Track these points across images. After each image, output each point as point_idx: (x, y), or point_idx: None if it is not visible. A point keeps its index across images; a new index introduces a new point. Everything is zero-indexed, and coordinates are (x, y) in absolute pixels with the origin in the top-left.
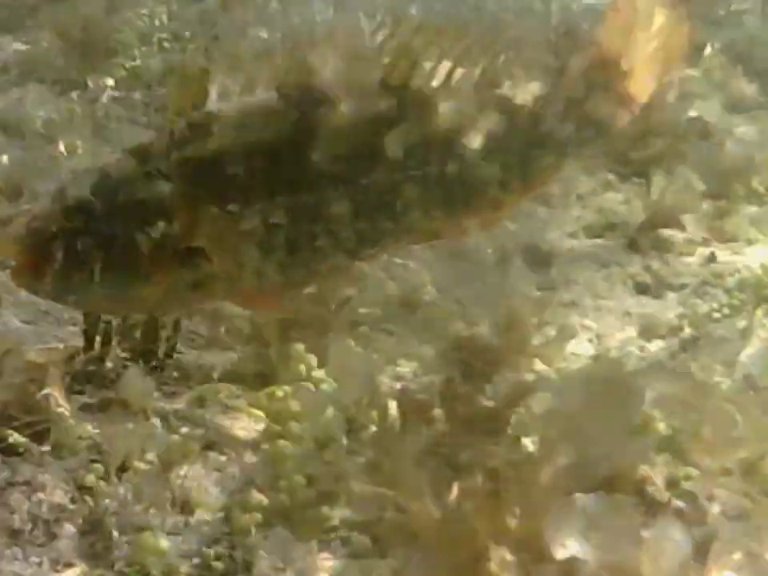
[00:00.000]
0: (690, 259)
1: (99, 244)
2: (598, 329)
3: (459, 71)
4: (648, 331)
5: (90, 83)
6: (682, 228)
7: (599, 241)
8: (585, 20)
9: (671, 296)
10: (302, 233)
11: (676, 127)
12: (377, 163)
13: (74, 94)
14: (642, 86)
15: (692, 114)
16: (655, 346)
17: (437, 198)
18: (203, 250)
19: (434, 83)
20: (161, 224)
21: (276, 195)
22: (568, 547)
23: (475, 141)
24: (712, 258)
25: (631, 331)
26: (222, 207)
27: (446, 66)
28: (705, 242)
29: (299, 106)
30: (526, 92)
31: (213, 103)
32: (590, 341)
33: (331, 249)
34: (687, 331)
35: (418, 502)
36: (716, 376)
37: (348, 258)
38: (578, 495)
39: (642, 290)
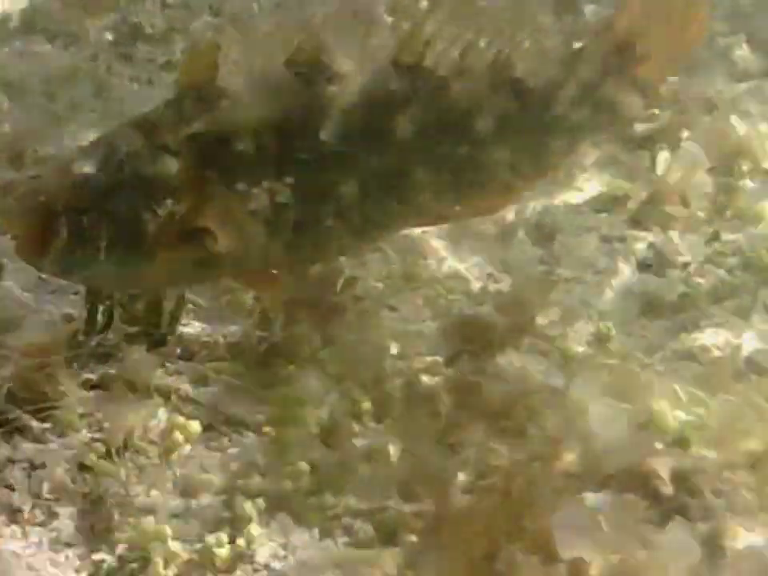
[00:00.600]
0: (693, 237)
1: (104, 220)
2: (599, 305)
3: (472, 52)
4: (649, 309)
5: (91, 38)
6: (687, 204)
7: (603, 215)
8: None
9: (674, 273)
10: (310, 213)
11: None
12: (387, 143)
13: (75, 49)
14: (658, 70)
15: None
16: (657, 324)
17: (447, 181)
18: (209, 228)
19: (447, 64)
20: (167, 201)
21: (284, 174)
22: (576, 547)
23: (487, 123)
24: (716, 236)
25: (633, 309)
26: (230, 185)
27: (458, 46)
28: (709, 219)
29: (310, 83)
30: (539, 75)
31: (222, 78)
32: (591, 317)
33: (339, 230)
34: (690, 311)
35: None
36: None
37: (355, 239)
38: (587, 495)
39: (644, 266)
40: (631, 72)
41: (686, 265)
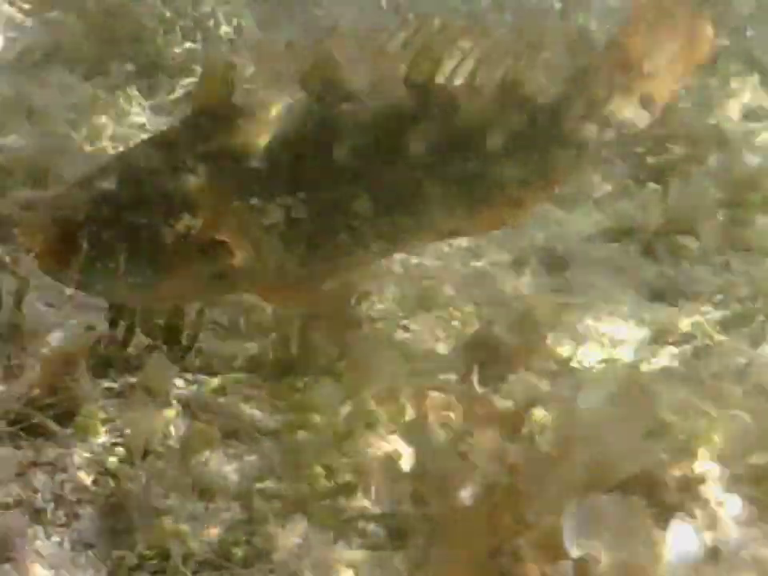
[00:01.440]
0: (704, 267)
1: (124, 234)
2: (611, 334)
3: (482, 70)
4: (661, 338)
5: (113, 69)
6: (698, 235)
7: (615, 246)
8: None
9: (685, 303)
10: (324, 227)
11: (693, 134)
12: (399, 160)
13: (98, 80)
14: (664, 87)
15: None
16: (668, 352)
17: (458, 196)
18: (226, 242)
19: (457, 81)
20: (185, 216)
21: (298, 190)
22: (583, 546)
23: (497, 139)
24: (726, 266)
25: (644, 337)
26: (245, 201)
27: (468, 64)
28: (720, 250)
29: (323, 102)
30: (547, 92)
31: (238, 97)
32: (603, 345)
33: (352, 244)
34: (700, 339)
35: (444, 494)
36: (728, 384)
37: (369, 253)
38: (593, 496)
39: (656, 296)
40: (637, 89)
41: (697, 295)
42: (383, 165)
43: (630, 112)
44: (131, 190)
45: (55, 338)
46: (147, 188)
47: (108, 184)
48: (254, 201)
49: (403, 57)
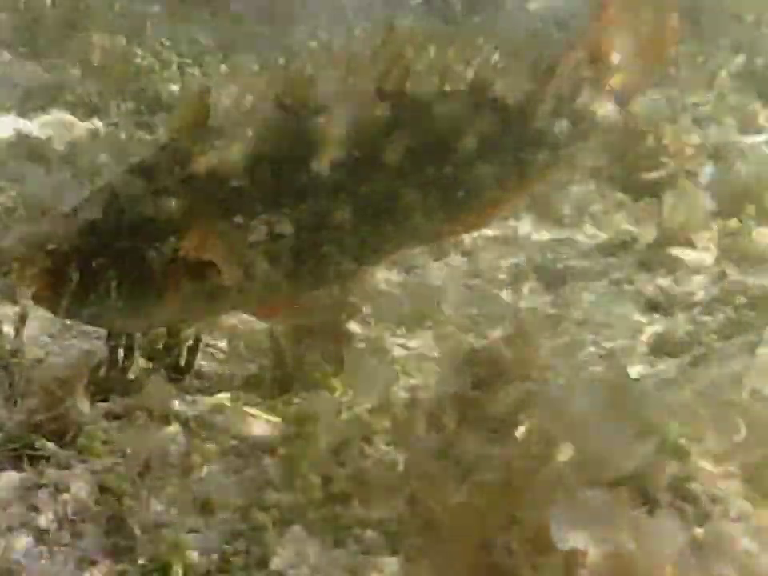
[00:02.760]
0: (700, 277)
1: (112, 262)
2: (609, 346)
3: (450, 75)
4: (658, 348)
5: (111, 108)
6: (693, 246)
7: (611, 259)
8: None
9: (681, 314)
10: (308, 241)
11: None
12: (376, 169)
13: (97, 119)
14: (632, 80)
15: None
16: (665, 362)
17: (436, 200)
18: (213, 262)
19: (427, 88)
20: (170, 240)
21: (280, 206)
22: (571, 539)
23: (470, 142)
24: (722, 277)
25: (642, 348)
26: (229, 220)
27: (437, 70)
28: (715, 261)
29: (298, 117)
30: (517, 91)
31: (214, 119)
32: (601, 357)
33: (337, 255)
34: (697, 348)
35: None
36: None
37: (354, 263)
38: (580, 489)
39: (652, 307)
40: (606, 83)
41: (693, 305)
42: (361, 175)
43: (600, 105)
44: (116, 217)
45: (55, 362)
46: (131, 214)
47: (93, 214)
48: (238, 219)
49: (373, 67)
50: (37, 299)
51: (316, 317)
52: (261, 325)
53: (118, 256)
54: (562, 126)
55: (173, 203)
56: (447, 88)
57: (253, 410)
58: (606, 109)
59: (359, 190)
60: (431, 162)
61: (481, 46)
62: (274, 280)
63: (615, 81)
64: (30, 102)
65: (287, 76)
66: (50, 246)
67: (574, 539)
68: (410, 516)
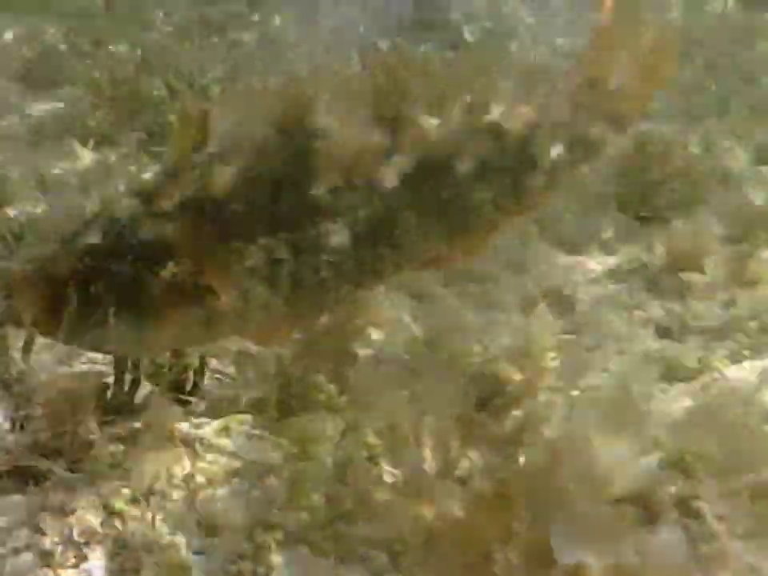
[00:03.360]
0: (710, 303)
1: (111, 286)
2: (620, 371)
3: (447, 100)
4: (669, 373)
5: (122, 138)
6: (703, 272)
7: (622, 285)
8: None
9: (692, 339)
10: (306, 266)
11: (698, 174)
12: (373, 193)
13: (108, 149)
14: (631, 104)
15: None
16: (676, 388)
17: (434, 224)
18: (211, 287)
19: (424, 113)
20: (169, 264)
21: (278, 230)
22: (573, 553)
23: (467, 166)
24: (732, 302)
25: (653, 374)
26: (227, 245)
27: (434, 95)
28: (726, 286)
29: (296, 142)
30: (514, 116)
31: (213, 143)
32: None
33: (335, 279)
34: (708, 373)
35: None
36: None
37: (352, 287)
38: (581, 503)
39: (663, 333)
40: (604, 107)
41: (704, 330)
42: (359, 198)
43: (598, 132)
44: (114, 241)
45: (62, 386)
46: (129, 238)
47: (92, 238)
48: (235, 243)
49: (371, 93)
50: (35, 324)
51: (321, 340)
52: (268, 350)
53: (116, 280)
54: (560, 150)
55: (171, 227)
56: (445, 112)
57: (258, 432)
58: (603, 132)
59: (356, 214)
60: (428, 186)
61: (478, 71)
62: (272, 304)
63: (613, 105)
64: (41, 133)
65: (285, 100)
66: (49, 271)
67: (576, 553)
68: (411, 532)
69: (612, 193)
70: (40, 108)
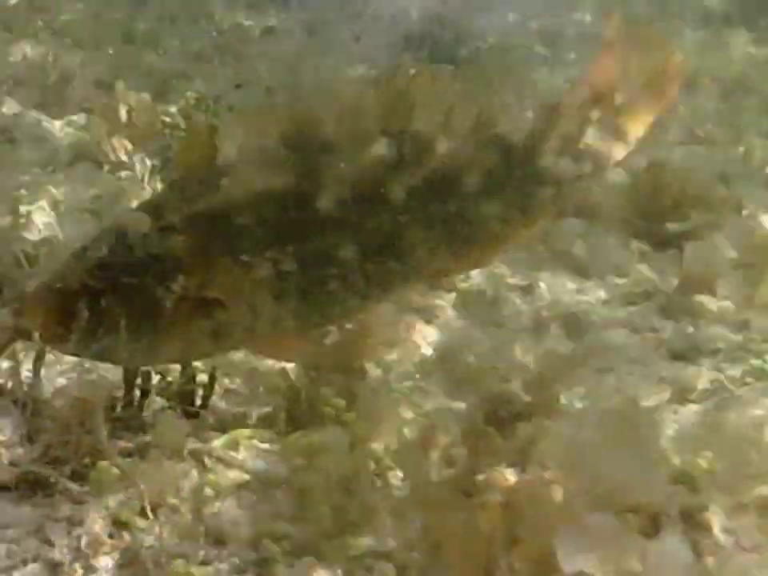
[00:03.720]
0: (723, 325)
1: (119, 300)
2: (632, 394)
3: (454, 114)
4: (681, 395)
5: (137, 163)
6: (715, 295)
7: (633, 308)
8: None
9: (705, 361)
10: (313, 278)
11: (711, 201)
12: (381, 207)
13: (123, 174)
14: (636, 119)
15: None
16: (688, 410)
17: (441, 237)
18: (219, 300)
19: (431, 127)
20: (177, 277)
21: (286, 243)
22: (577, 562)
23: (474, 180)
24: (745, 324)
25: (665, 396)
26: (235, 258)
27: (441, 109)
28: (738, 308)
29: (303, 156)
30: (521, 130)
31: (221, 157)
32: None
33: (342, 292)
34: (720, 395)
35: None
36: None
37: (359, 301)
38: (585, 514)
39: (675, 355)
40: (611, 121)
41: (716, 352)
42: (366, 213)
43: (604, 146)
44: (123, 255)
45: (72, 398)
46: (138, 252)
47: (101, 252)
48: (244, 257)
49: (377, 108)
50: (45, 338)
51: (329, 354)
52: (278, 366)
53: (124, 294)
54: (566, 164)
55: (179, 241)
56: (451, 126)
57: (266, 446)
58: (609, 147)
59: (364, 227)
60: (435, 199)
61: (484, 85)
62: (280, 318)
63: (619, 120)
64: (57, 158)
65: (292, 114)
66: (58, 284)
67: (580, 562)
68: (416, 540)
69: (625, 217)
70: (55, 134)
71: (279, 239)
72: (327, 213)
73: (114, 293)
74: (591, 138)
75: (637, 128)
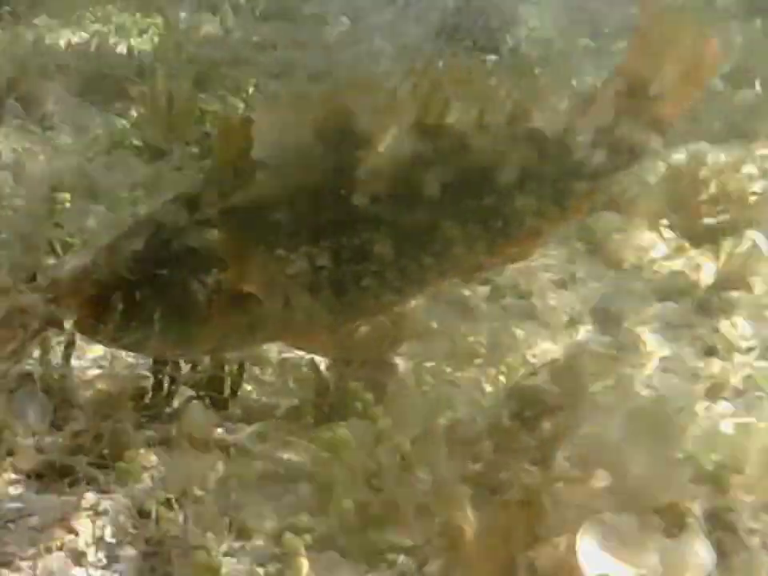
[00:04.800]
0: (758, 322)
1: (153, 291)
2: (665, 390)
3: (489, 107)
4: (714, 392)
5: (175, 151)
6: (750, 290)
7: (668, 303)
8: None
9: (739, 357)
10: (348, 273)
11: (748, 196)
12: (416, 202)
13: (161, 162)
14: (672, 108)
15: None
16: (721, 406)
17: (476, 232)
18: (254, 293)
19: (467, 121)
20: (213, 270)
21: (321, 238)
22: (598, 563)
23: (509, 174)
24: None
25: (698, 392)
26: (270, 252)
27: (475, 103)
28: None
29: (338, 150)
30: (556, 122)
31: (256, 150)
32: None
33: (377, 288)
34: (753, 392)
35: (459, 513)
36: None
37: (394, 296)
38: (608, 514)
39: (710, 351)
40: (646, 111)
41: (750, 349)
42: (402, 208)
43: (640, 137)
44: (159, 247)
45: (100, 387)
46: (174, 245)
47: (137, 244)
48: (278, 251)
49: (412, 101)
50: (78, 327)
51: (360, 348)
52: (308, 357)
53: (159, 285)
54: (602, 156)
55: (215, 234)
56: (486, 120)
57: (292, 438)
58: (646, 137)
59: (399, 222)
60: (470, 194)
61: (518, 78)
62: (314, 312)
63: (654, 110)
64: (95, 146)
65: (327, 108)
66: (93, 275)
67: (603, 562)
68: (438, 537)
69: (661, 211)
70: (96, 120)
71: (314, 234)
72: (362, 208)
73: (149, 285)
74: (627, 128)
75: (673, 117)
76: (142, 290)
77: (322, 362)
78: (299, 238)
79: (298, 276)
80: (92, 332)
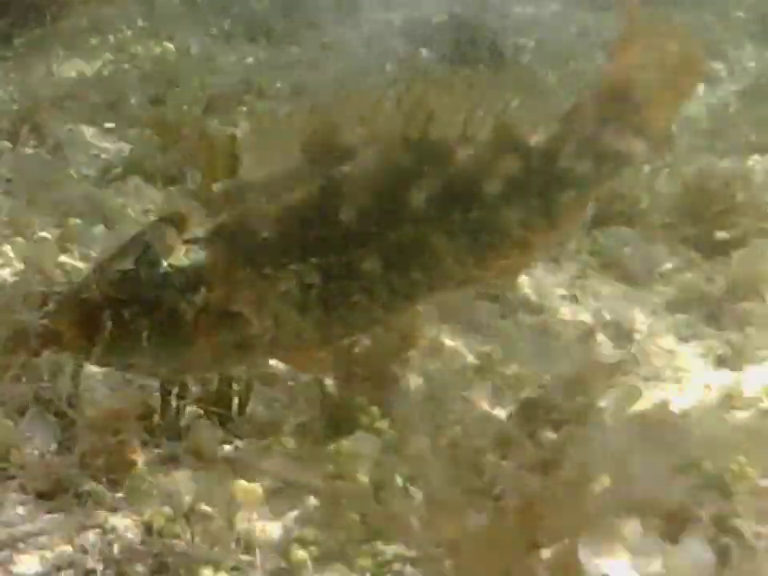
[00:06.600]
0: None
1: (144, 311)
2: (677, 400)
3: (473, 119)
4: (727, 402)
5: (188, 176)
6: (763, 301)
7: (680, 315)
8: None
9: (751, 368)
10: (337, 290)
11: (760, 209)
12: (403, 216)
13: (173, 188)
14: (658, 114)
15: None
16: (733, 416)
17: (464, 245)
18: (243, 312)
19: (452, 133)
20: (201, 289)
21: (309, 256)
22: (601, 566)
23: (495, 185)
24: None
25: (711, 402)
26: (258, 270)
27: (460, 115)
28: None
29: (324, 166)
30: (540, 133)
31: (243, 169)
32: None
33: (366, 303)
34: (766, 403)
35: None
36: None
37: (384, 311)
38: (611, 517)
39: (722, 362)
40: (631, 119)
41: (763, 359)
42: (389, 222)
43: (626, 144)
44: (148, 267)
45: (108, 406)
46: (163, 265)
47: (126, 264)
48: (266, 270)
49: (397, 114)
50: (67, 346)
51: (361, 363)
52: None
53: (148, 305)
54: (588, 165)
55: (204, 254)
56: (470, 133)
57: (299, 454)
58: (631, 145)
59: (386, 237)
60: (457, 206)
61: (502, 89)
62: (304, 329)
63: (640, 117)
64: (109, 173)
65: (312, 124)
66: (82, 295)
67: (604, 566)
68: (445, 550)
69: (673, 224)
70: (108, 148)
71: (302, 252)
72: (349, 223)
73: (137, 304)
74: (612, 135)
75: (659, 124)
76: (130, 309)
77: (327, 378)
78: (287, 255)
79: (286, 294)
80: (81, 351)
